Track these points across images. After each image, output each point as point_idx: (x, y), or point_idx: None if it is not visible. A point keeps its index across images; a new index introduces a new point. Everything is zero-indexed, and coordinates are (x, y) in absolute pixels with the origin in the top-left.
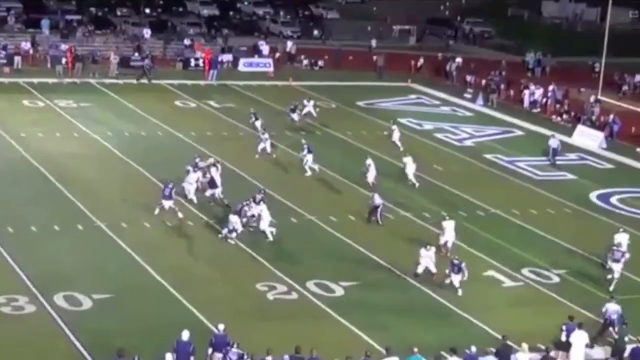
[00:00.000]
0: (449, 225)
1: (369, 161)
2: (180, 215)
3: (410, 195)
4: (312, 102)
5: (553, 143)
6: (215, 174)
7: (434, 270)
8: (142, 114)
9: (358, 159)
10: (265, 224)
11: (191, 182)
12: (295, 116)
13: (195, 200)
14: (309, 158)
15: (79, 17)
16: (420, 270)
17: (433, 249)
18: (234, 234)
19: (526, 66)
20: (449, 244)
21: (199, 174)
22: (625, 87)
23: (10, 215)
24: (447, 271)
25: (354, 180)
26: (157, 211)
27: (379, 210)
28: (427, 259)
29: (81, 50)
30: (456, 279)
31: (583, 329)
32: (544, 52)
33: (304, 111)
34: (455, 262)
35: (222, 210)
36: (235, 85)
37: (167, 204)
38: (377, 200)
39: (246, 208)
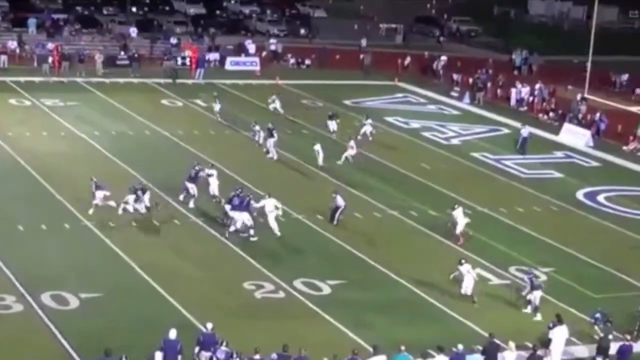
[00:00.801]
0: (458, 213)
1: (317, 147)
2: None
3: (397, 193)
4: (369, 122)
5: (524, 132)
6: (214, 183)
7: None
8: (129, 112)
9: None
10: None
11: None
12: (333, 125)
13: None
14: (271, 141)
15: (65, 16)
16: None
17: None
18: (251, 231)
19: (513, 64)
20: (461, 229)
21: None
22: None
23: None
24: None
25: (340, 179)
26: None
27: (339, 211)
28: (468, 275)
29: (68, 49)
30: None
31: (564, 324)
32: (530, 51)
33: (362, 131)
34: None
35: (210, 208)
36: (222, 84)
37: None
38: (340, 201)
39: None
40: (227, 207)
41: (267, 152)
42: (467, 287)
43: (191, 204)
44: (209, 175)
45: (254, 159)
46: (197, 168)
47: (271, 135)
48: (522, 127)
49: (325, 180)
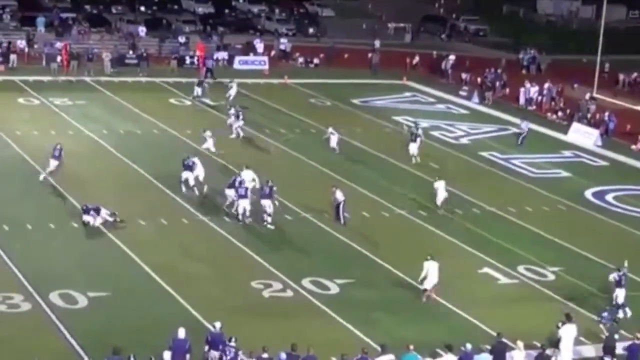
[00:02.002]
0: (440, 185)
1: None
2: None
3: (404, 192)
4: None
5: (525, 126)
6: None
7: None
8: (138, 111)
9: (353, 157)
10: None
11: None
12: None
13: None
14: (239, 123)
15: (74, 15)
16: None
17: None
18: (268, 218)
19: (521, 64)
20: (440, 201)
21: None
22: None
23: (6, 213)
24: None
25: (348, 178)
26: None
27: (341, 207)
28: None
29: (76, 48)
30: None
31: (573, 323)
32: (539, 50)
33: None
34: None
35: (218, 207)
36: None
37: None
38: (339, 196)
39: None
40: (228, 191)
41: (232, 132)
42: (430, 281)
43: (196, 192)
44: (192, 162)
45: (261, 156)
46: (192, 159)
47: (238, 118)
48: (524, 121)
49: (334, 180)
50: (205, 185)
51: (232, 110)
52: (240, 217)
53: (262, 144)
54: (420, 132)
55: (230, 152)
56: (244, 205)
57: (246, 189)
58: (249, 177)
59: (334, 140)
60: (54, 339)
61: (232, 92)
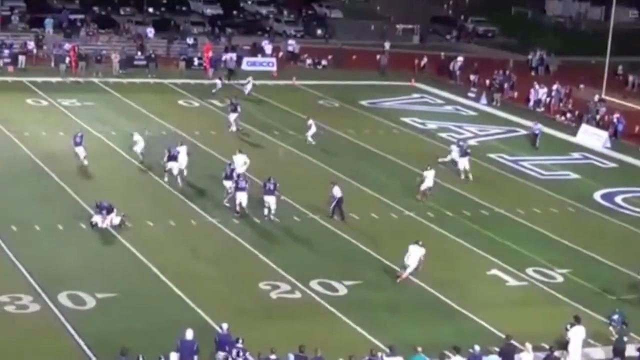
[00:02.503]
0: (429, 174)
1: (310, 121)
2: None
3: (413, 194)
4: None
5: (536, 130)
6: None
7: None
8: (146, 113)
9: (361, 158)
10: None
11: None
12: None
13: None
14: (234, 115)
15: (82, 17)
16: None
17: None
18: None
19: (529, 65)
20: (429, 190)
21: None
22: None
23: (14, 214)
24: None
25: (357, 180)
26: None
27: (337, 203)
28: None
29: (85, 50)
30: None
31: (582, 325)
32: (548, 51)
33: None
34: None
35: (226, 208)
36: (239, 85)
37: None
38: (336, 192)
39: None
40: (226, 182)
41: (229, 125)
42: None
43: (179, 181)
44: (178, 152)
45: (270, 158)
46: (176, 148)
47: (234, 110)
48: (535, 124)
49: (341, 181)
50: (185, 173)
51: (229, 103)
52: (238, 209)
53: (269, 145)
54: (469, 148)
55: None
56: (241, 198)
57: (245, 181)
58: (240, 161)
59: (311, 132)
60: (62, 340)
61: (249, 87)
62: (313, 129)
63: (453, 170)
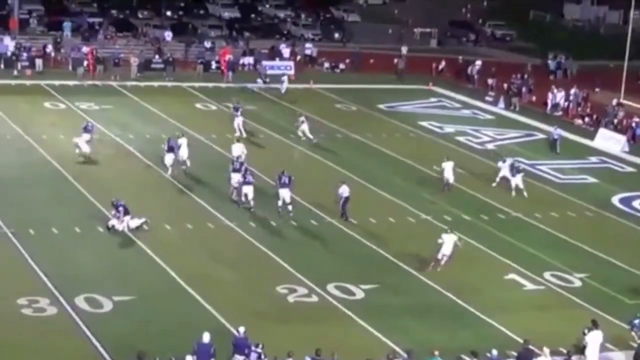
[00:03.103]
0: (447, 165)
1: (302, 118)
2: None
3: (430, 198)
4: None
5: (556, 135)
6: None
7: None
8: (163, 116)
9: (379, 162)
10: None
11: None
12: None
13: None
14: (240, 120)
15: (100, 20)
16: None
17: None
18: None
19: (547, 69)
20: (451, 181)
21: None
22: None
23: (32, 217)
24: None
25: (374, 184)
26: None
27: (344, 202)
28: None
29: (102, 53)
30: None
31: (599, 329)
32: (565, 55)
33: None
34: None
35: (242, 211)
36: (257, 88)
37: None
38: (344, 191)
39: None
40: (234, 175)
41: (239, 132)
42: (443, 253)
43: (169, 172)
44: (179, 144)
45: (287, 161)
46: (175, 140)
47: (237, 115)
48: (555, 129)
49: (358, 184)
50: (187, 163)
51: (232, 106)
52: (243, 199)
53: (286, 148)
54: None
55: (256, 158)
56: (248, 190)
57: (252, 176)
58: (238, 151)
59: (305, 128)
60: (79, 343)
61: (284, 85)
62: (306, 125)
63: (493, 180)
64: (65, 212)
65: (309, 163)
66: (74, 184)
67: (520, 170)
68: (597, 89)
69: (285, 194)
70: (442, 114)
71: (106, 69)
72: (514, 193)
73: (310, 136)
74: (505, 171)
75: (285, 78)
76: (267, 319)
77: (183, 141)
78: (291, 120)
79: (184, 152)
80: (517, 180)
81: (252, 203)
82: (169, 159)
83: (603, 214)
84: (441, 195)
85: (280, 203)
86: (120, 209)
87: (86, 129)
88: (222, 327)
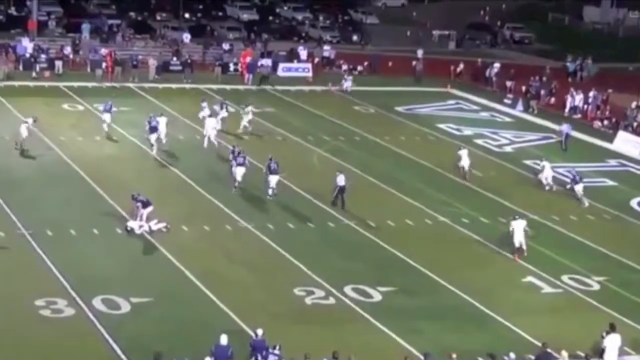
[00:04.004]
0: (463, 153)
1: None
2: None
3: (449, 200)
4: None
5: (565, 128)
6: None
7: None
8: (181, 118)
9: (396, 164)
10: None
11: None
12: None
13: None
14: (223, 114)
15: (118, 22)
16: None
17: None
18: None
19: (566, 72)
20: (466, 168)
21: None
22: None
23: (50, 219)
24: None
25: (392, 186)
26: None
27: (338, 191)
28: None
29: (121, 55)
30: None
31: (617, 333)
32: (584, 58)
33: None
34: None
35: (260, 213)
36: (274, 90)
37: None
38: (340, 181)
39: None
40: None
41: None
42: (519, 240)
43: (154, 150)
44: (157, 123)
45: (304, 164)
46: (156, 119)
47: (221, 109)
48: (564, 124)
49: (376, 187)
50: (163, 142)
51: (204, 104)
52: (236, 184)
53: (305, 151)
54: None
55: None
56: (239, 172)
57: (244, 157)
58: (211, 125)
59: (248, 119)
60: (97, 344)
61: (348, 84)
62: (250, 116)
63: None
64: (82, 214)
65: (326, 165)
66: (92, 185)
67: (580, 179)
68: (609, 90)
69: (273, 179)
70: (460, 116)
71: (124, 70)
72: (585, 203)
73: (249, 126)
74: (572, 184)
75: (349, 77)
76: (284, 321)
77: (162, 120)
78: (308, 122)
79: (162, 130)
80: (579, 189)
81: (237, 185)
82: (152, 138)
83: (622, 217)
84: (458, 197)
85: (270, 192)
86: (139, 203)
87: (107, 109)
88: (240, 329)
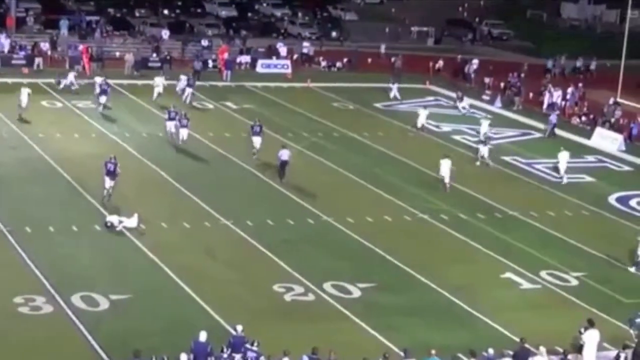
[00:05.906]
0: (444, 163)
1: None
2: None
3: (428, 197)
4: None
5: (553, 118)
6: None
7: None
8: (160, 114)
9: (375, 160)
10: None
11: None
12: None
13: None
14: (189, 90)
15: (97, 18)
16: None
17: None
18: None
19: (545, 68)
20: (446, 180)
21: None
22: None
23: (28, 216)
24: None
25: (370, 182)
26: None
27: (284, 166)
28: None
29: (99, 51)
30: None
31: (596, 328)
32: (562, 54)
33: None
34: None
35: (240, 211)
36: (253, 87)
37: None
38: (283, 155)
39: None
40: (169, 123)
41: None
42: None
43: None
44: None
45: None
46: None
47: (189, 85)
48: (552, 114)
49: (355, 183)
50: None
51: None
52: (180, 142)
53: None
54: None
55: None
56: (184, 133)
57: (187, 120)
58: (160, 82)
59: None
60: (75, 342)
61: (394, 93)
62: (160, 89)
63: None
64: (61, 211)
65: (305, 162)
66: (71, 182)
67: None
68: (579, 85)
69: (257, 141)
70: (439, 112)
71: (102, 67)
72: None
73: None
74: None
75: (394, 85)
76: (264, 317)
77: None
78: (287, 119)
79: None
80: (484, 150)
81: (179, 143)
82: (170, 126)
83: (600, 213)
84: (438, 194)
85: (254, 151)
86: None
87: (103, 92)
88: (219, 326)
